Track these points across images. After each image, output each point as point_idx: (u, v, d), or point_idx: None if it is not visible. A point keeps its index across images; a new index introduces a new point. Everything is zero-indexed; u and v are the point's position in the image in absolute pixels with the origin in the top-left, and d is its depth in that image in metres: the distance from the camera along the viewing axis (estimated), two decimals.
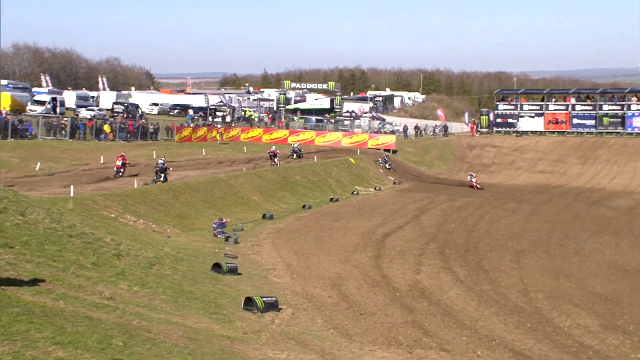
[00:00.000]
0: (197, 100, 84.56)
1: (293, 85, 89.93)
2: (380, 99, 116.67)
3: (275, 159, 42.11)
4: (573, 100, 65.55)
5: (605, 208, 35.47)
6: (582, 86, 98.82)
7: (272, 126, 71.27)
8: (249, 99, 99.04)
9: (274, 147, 44.86)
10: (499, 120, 68.32)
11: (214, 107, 78.85)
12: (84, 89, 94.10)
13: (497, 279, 19.31)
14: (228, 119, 72.40)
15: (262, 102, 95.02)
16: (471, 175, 45.58)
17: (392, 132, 69.89)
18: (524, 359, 13.12)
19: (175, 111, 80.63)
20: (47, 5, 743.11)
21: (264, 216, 28.16)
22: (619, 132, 62.01)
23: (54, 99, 60.44)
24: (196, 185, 29.79)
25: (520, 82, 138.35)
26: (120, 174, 32.18)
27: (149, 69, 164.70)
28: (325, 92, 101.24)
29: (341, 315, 14.95)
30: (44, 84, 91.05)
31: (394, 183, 44.29)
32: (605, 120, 62.98)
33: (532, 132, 65.67)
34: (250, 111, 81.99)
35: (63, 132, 45.46)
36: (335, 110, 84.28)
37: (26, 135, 42.50)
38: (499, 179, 51.59)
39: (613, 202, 38.16)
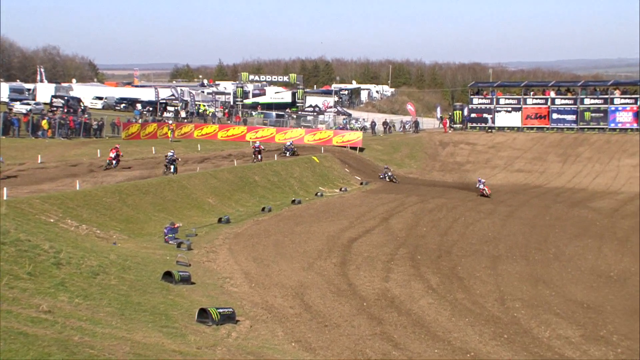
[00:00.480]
0: (146, 94, 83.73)
1: (251, 77, 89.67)
2: (346, 92, 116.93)
3: (260, 156, 43.74)
4: (553, 94, 66.19)
5: (586, 210, 36.04)
6: (562, 78, 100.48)
7: (229, 122, 70.99)
8: (203, 92, 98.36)
9: (258, 143, 46.67)
10: (473, 115, 68.65)
11: (164, 101, 78.18)
12: (18, 80, 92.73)
13: (472, 287, 19.53)
14: (183, 114, 71.93)
15: (217, 96, 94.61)
16: (480, 181, 41.87)
17: (363, 129, 69.99)
18: None
19: (122, 106, 79.77)
20: None
21: (219, 220, 28.11)
22: (601, 128, 62.67)
23: None
24: (145, 187, 29.52)
25: (497, 74, 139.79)
26: (113, 166, 33.97)
27: (92, 59, 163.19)
28: (286, 84, 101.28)
29: (304, 327, 14.97)
30: None
31: (361, 183, 44.43)
32: (587, 115, 63.70)
33: (509, 128, 66.18)
34: (204, 106, 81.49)
35: None
36: (298, 104, 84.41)
37: None
38: (474, 179, 52.13)
39: (595, 203, 38.77)
